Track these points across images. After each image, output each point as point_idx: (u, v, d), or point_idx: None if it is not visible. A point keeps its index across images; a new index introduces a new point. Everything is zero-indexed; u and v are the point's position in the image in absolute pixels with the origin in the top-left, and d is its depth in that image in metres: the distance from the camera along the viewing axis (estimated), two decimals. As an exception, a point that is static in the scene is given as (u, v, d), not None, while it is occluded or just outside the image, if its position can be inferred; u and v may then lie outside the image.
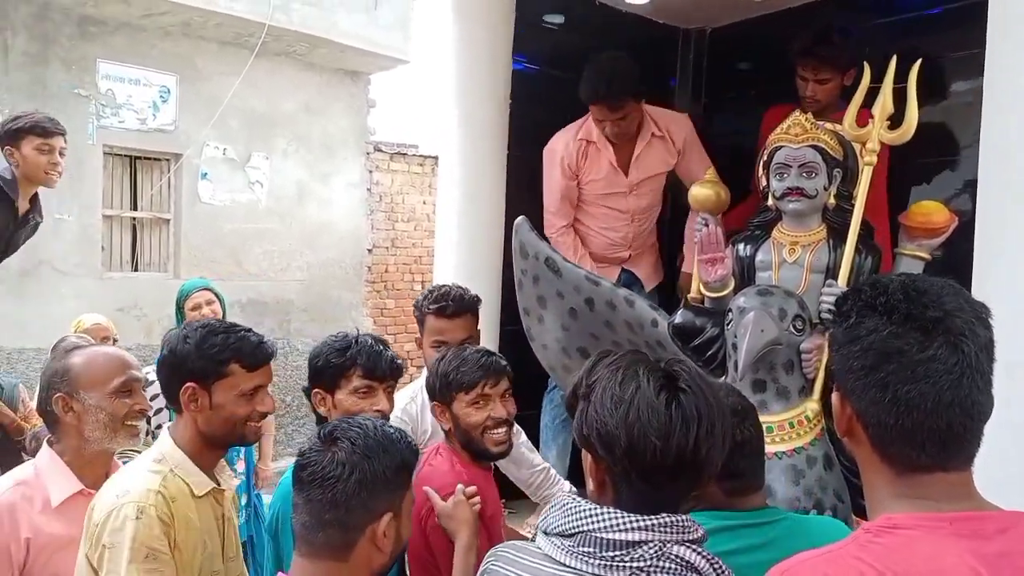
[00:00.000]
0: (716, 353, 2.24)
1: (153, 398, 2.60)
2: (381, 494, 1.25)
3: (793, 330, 2.05)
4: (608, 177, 3.12)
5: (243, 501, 3.03)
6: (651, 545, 1.10)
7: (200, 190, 6.45)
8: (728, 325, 2.15)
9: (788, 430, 2.02)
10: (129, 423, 1.79)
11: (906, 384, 0.89)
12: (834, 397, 0.98)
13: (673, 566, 1.10)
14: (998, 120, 1.78)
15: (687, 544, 1.12)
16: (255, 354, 1.65)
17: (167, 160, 6.39)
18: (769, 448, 1.98)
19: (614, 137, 3.05)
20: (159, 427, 2.44)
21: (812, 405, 2.07)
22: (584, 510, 1.13)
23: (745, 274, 2.34)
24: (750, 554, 1.35)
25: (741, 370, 2.05)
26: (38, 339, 3.85)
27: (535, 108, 3.52)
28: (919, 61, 2.13)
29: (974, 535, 0.88)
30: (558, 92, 3.70)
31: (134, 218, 6.37)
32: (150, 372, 2.14)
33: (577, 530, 1.13)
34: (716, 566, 1.14)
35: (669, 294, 3.31)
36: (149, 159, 6.37)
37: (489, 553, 1.28)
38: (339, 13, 6.37)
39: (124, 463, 1.94)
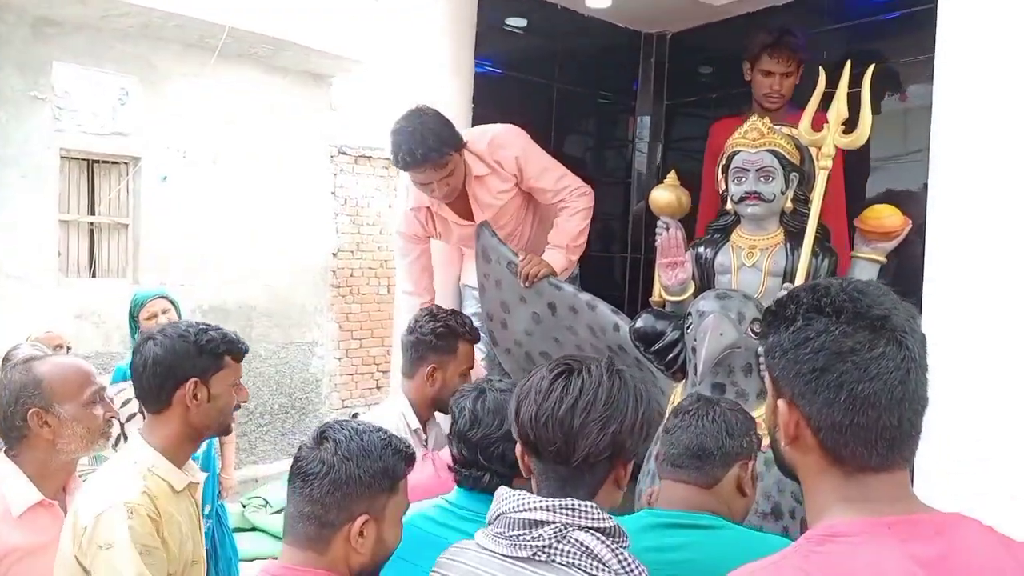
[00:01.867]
0: (677, 356, 2.26)
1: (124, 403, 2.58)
2: (357, 496, 1.30)
3: (751, 333, 2.07)
4: (460, 232, 2.92)
5: (206, 511, 2.98)
6: (552, 526, 1.17)
7: (160, 194, 6.34)
8: (688, 328, 2.17)
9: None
10: (103, 432, 1.84)
11: (860, 383, 0.90)
12: (780, 403, 0.97)
13: (572, 549, 1.17)
14: (948, 124, 1.81)
15: (590, 531, 1.18)
16: (240, 346, 1.79)
17: (125, 163, 6.28)
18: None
19: (445, 198, 2.77)
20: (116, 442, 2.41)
21: (770, 407, 2.09)
22: (503, 494, 1.25)
23: (705, 278, 2.36)
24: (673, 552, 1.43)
25: (701, 373, 2.07)
26: (-3, 347, 3.76)
27: (498, 112, 3.51)
28: (872, 66, 2.17)
29: (912, 538, 0.89)
30: (521, 95, 3.72)
31: (92, 223, 6.24)
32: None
33: (497, 513, 1.24)
34: (620, 557, 1.17)
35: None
36: (107, 163, 6.25)
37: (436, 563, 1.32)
38: (301, 15, 6.31)
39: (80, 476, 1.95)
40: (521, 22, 3.70)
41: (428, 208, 2.89)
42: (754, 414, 2.06)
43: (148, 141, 6.21)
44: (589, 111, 4.09)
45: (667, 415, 1.63)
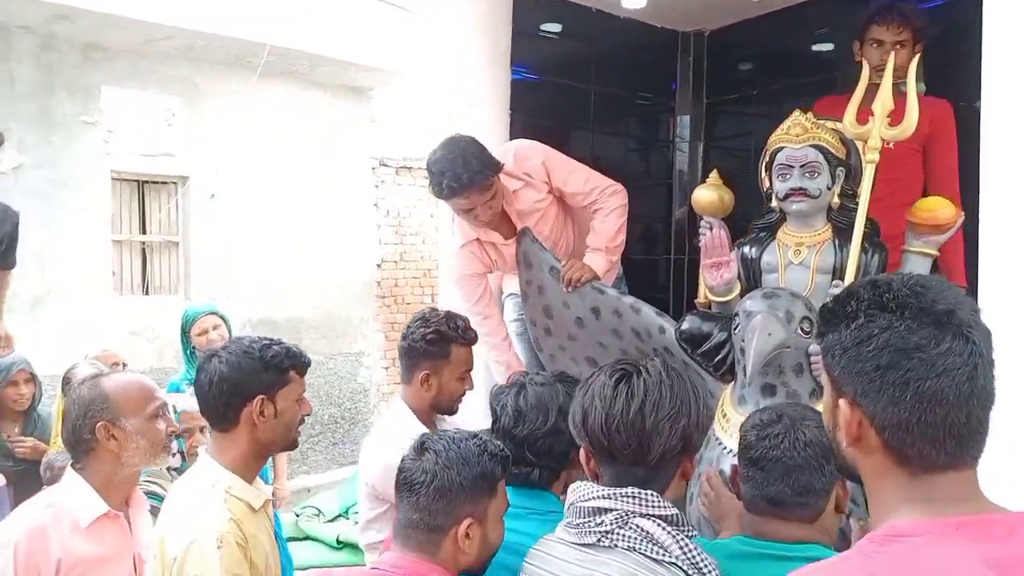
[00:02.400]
0: (725, 358, 2.22)
1: None
2: (461, 501, 1.38)
3: (801, 332, 2.03)
4: (510, 250, 2.87)
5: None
6: (615, 513, 1.23)
7: (208, 212, 6.49)
8: (735, 329, 2.13)
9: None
10: (165, 446, 1.89)
11: (927, 379, 0.87)
12: (841, 403, 0.94)
13: (633, 534, 1.22)
14: (997, 113, 1.76)
15: (651, 518, 1.23)
16: (304, 359, 1.81)
17: (174, 183, 6.43)
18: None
19: (490, 222, 2.76)
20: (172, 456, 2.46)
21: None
22: (573, 487, 1.31)
23: (751, 277, 2.32)
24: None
25: (750, 375, 2.03)
26: (52, 366, 3.86)
27: (536, 117, 3.53)
28: (917, 56, 2.12)
29: (982, 539, 0.86)
30: (559, 100, 3.72)
31: (143, 242, 6.41)
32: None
33: (569, 504, 1.30)
34: (682, 543, 1.22)
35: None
36: (156, 183, 6.41)
37: None
38: (339, 30, 6.40)
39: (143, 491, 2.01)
40: (556, 27, 3.71)
41: (478, 240, 2.89)
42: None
43: (195, 160, 6.36)
44: (628, 113, 4.08)
45: (744, 433, 1.52)
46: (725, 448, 2.07)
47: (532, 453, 1.60)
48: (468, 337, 2.21)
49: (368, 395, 7.37)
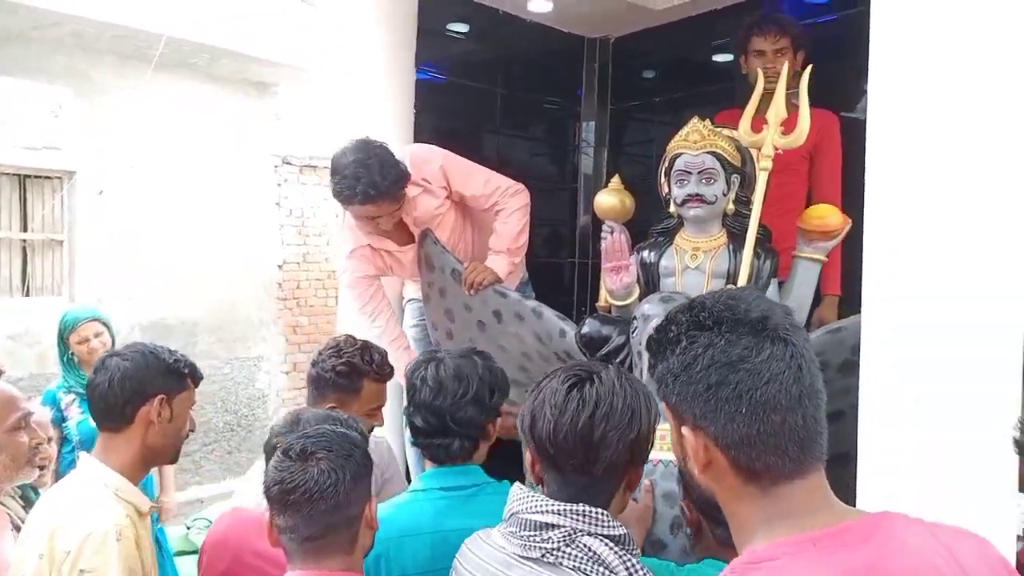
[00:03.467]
0: (623, 361, 2.23)
1: None
2: (364, 483, 1.38)
3: (697, 336, 2.05)
4: (402, 255, 2.84)
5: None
6: (562, 530, 1.20)
7: (96, 208, 6.15)
8: (633, 332, 2.14)
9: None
10: (29, 460, 1.79)
11: (757, 388, 0.88)
12: (684, 431, 0.94)
13: (580, 554, 1.18)
14: (883, 125, 1.82)
15: (599, 536, 1.20)
16: (199, 371, 1.83)
17: (59, 178, 6.08)
18: (669, 455, 1.99)
19: (387, 231, 2.70)
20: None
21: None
22: (517, 494, 1.28)
23: (650, 281, 2.34)
24: None
25: (646, 378, 2.04)
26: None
27: (442, 118, 3.48)
28: (810, 67, 2.18)
29: (839, 549, 0.87)
30: (465, 102, 3.68)
31: (24, 240, 6.02)
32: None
33: (511, 512, 1.26)
34: (628, 564, 1.19)
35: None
36: (40, 177, 6.04)
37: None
38: (240, 23, 6.19)
39: None
40: (463, 27, 3.67)
41: (370, 246, 2.81)
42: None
43: (84, 155, 6.02)
44: (534, 117, 4.08)
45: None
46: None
47: (454, 423, 1.60)
48: (383, 372, 2.10)
49: (267, 401, 7.14)
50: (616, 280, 2.29)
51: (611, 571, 1.18)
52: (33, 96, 5.83)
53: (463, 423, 1.60)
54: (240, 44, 6.22)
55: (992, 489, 1.54)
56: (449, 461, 1.62)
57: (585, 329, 2.30)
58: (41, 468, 2.02)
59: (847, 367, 1.91)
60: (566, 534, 1.20)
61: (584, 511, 1.21)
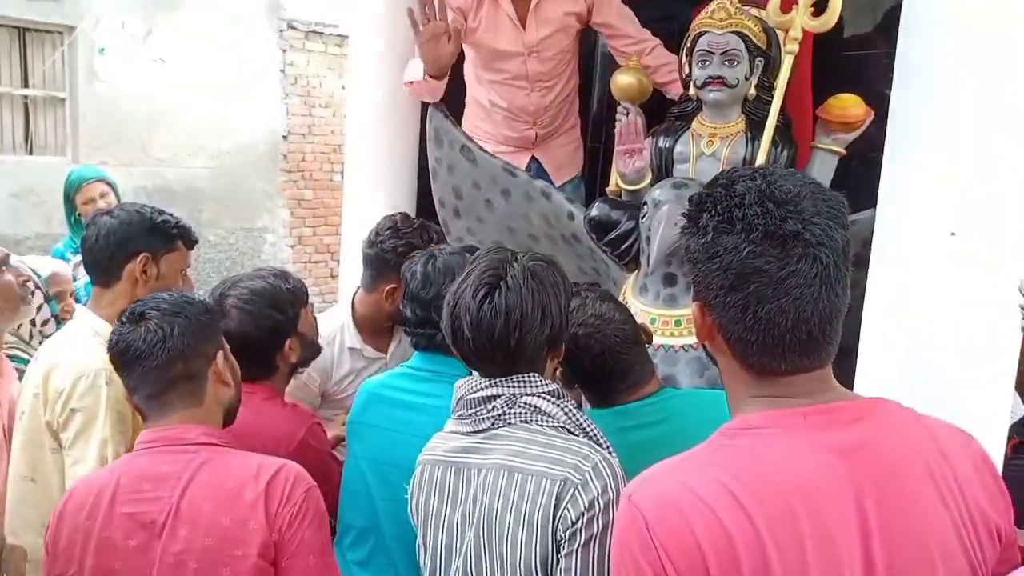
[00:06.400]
0: (631, 246, 2.21)
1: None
2: (206, 337, 1.43)
3: (707, 224, 2.03)
4: (505, 32, 2.68)
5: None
6: (502, 398, 1.32)
7: (97, 67, 5.99)
8: (643, 218, 2.12)
9: (696, 324, 2.01)
10: (22, 297, 1.87)
11: (767, 303, 0.89)
12: (695, 305, 0.97)
13: (523, 411, 1.32)
14: (916, 11, 1.73)
15: (536, 395, 1.33)
16: (192, 234, 1.87)
17: (60, 33, 5.89)
18: (676, 341, 2.02)
19: None
20: (45, 323, 2.34)
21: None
22: (458, 384, 1.39)
23: (663, 167, 2.29)
24: (645, 430, 1.52)
25: (653, 263, 2.04)
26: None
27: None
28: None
29: (829, 426, 0.89)
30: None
31: (26, 96, 5.90)
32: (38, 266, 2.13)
33: (457, 399, 1.38)
34: (566, 410, 1.34)
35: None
36: (40, 31, 5.85)
37: None
38: None
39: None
40: None
41: None
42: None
43: (84, 8, 5.81)
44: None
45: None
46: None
47: (437, 314, 1.63)
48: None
49: (273, 272, 7.19)
50: (629, 164, 2.24)
51: (551, 416, 1.32)
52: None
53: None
54: None
55: (990, 385, 1.56)
56: (431, 350, 1.70)
57: (594, 212, 2.27)
58: (62, 320, 2.08)
59: (857, 261, 1.90)
60: (506, 399, 1.32)
61: (518, 378, 1.33)
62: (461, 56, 2.77)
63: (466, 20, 2.68)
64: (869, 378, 1.66)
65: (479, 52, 2.79)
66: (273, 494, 1.32)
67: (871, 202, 1.75)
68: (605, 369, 1.57)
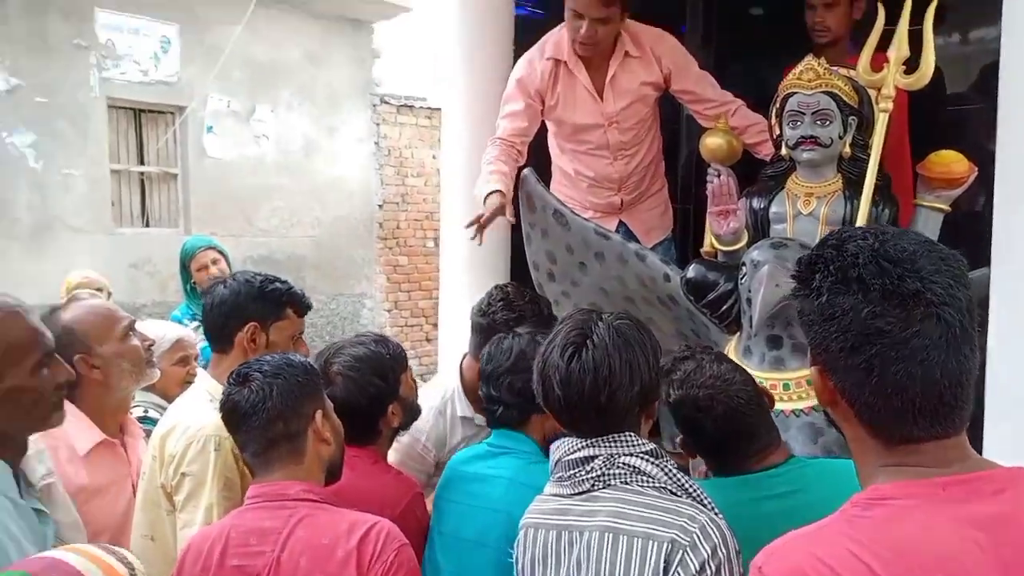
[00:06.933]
0: (730, 308, 2.20)
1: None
2: (304, 396, 1.47)
3: (807, 284, 2.01)
4: (583, 105, 2.73)
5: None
6: (600, 458, 1.32)
7: (206, 144, 6.40)
8: (742, 279, 2.11)
9: (806, 387, 1.94)
10: (148, 361, 1.92)
11: (892, 365, 0.84)
12: (814, 370, 0.92)
13: (622, 472, 1.31)
14: (1018, 63, 1.70)
15: (634, 455, 1.32)
16: (304, 302, 1.90)
17: (171, 113, 6.33)
18: (786, 406, 1.97)
19: (584, 48, 2.61)
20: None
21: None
22: (555, 445, 1.38)
23: (759, 227, 2.29)
24: (775, 501, 1.46)
25: (756, 325, 2.02)
26: (54, 296, 3.86)
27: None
28: (934, 1, 2.05)
29: (970, 498, 0.84)
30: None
31: (142, 173, 6.33)
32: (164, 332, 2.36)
33: (555, 461, 1.37)
34: (667, 471, 1.32)
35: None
36: (154, 112, 6.31)
37: None
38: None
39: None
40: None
41: (564, 63, 2.70)
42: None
43: (192, 89, 6.24)
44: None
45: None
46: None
47: (495, 390, 1.72)
48: (551, 324, 2.17)
49: (370, 336, 7.38)
50: (723, 224, 2.25)
51: (651, 477, 1.30)
52: (142, 31, 6.03)
53: (503, 389, 1.71)
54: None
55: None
56: (497, 426, 1.75)
57: (691, 274, 2.28)
58: (188, 383, 2.17)
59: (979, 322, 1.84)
60: (604, 460, 1.31)
61: (614, 438, 1.32)
62: (544, 125, 2.87)
63: (543, 102, 2.77)
64: (997, 446, 1.60)
65: (560, 127, 2.86)
66: (365, 550, 1.35)
67: (979, 260, 1.71)
68: (730, 432, 1.51)
